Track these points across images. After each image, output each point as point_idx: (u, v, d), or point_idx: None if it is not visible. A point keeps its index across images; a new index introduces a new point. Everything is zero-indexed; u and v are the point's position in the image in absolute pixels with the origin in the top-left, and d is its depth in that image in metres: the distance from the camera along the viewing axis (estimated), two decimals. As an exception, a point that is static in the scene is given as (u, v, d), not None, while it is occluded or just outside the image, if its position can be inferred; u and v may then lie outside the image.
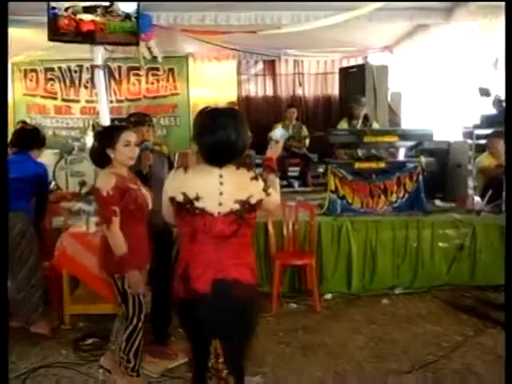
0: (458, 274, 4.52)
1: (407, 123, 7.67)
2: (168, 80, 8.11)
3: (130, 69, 7.94)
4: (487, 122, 4.39)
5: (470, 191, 5.10)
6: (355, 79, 6.95)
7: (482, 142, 6.18)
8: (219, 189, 1.88)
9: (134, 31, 4.75)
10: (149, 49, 7.37)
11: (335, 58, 8.35)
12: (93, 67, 5.09)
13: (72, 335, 3.49)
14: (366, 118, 5.51)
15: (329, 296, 4.37)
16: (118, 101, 8.04)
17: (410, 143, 4.78)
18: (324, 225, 4.46)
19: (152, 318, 3.25)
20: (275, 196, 2.04)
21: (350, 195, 4.70)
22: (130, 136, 2.63)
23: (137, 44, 4.93)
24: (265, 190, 1.95)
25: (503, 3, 4.71)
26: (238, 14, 5.97)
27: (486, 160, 5.32)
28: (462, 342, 3.40)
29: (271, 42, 7.44)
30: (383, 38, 7.61)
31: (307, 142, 7.03)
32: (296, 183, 6.81)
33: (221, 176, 1.89)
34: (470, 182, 5.48)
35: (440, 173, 5.27)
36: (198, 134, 1.93)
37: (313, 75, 8.41)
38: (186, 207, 1.89)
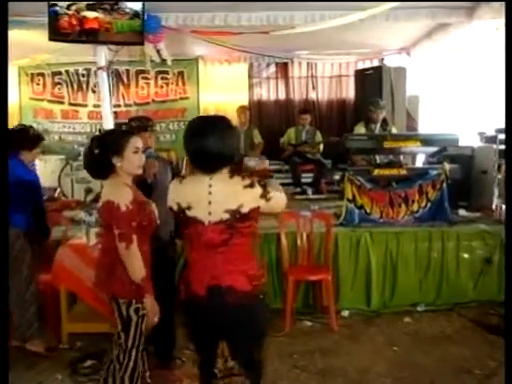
0: (485, 289, 4.20)
1: (424, 128, 7.36)
2: (177, 84, 7.89)
3: (138, 72, 7.73)
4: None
5: (497, 200, 4.77)
6: (372, 82, 6.65)
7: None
8: (208, 198, 1.91)
9: (141, 30, 4.50)
10: (158, 51, 7.18)
11: (350, 61, 8.06)
12: (97, 69, 4.84)
13: (69, 356, 3.24)
14: (384, 122, 5.21)
15: (346, 313, 4.08)
16: (127, 105, 7.85)
17: (432, 149, 4.47)
18: (341, 236, 4.17)
19: (155, 341, 3.00)
20: (278, 198, 2.03)
21: (369, 204, 4.40)
22: (138, 142, 2.35)
23: (142, 43, 4.68)
24: (263, 195, 1.93)
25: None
26: (249, 15, 5.72)
27: None
28: (497, 369, 3.08)
29: (284, 44, 7.19)
30: (400, 39, 7.31)
31: (321, 147, 6.74)
32: (309, 190, 6.51)
33: (210, 186, 1.92)
34: (497, 190, 5.16)
35: (464, 180, 4.95)
36: (183, 141, 1.97)
37: (327, 78, 8.11)
38: (180, 216, 1.97)
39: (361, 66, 7.90)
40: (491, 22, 5.82)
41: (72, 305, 3.55)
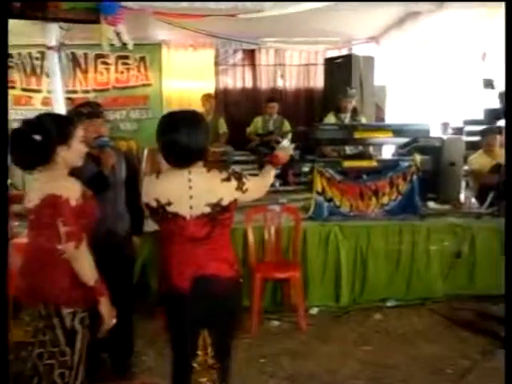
0: (455, 283, 4.13)
1: (391, 119, 7.29)
2: (139, 69, 7.50)
3: (97, 56, 7.30)
4: (491, 115, 3.96)
5: (466, 192, 4.71)
6: (341, 70, 6.49)
7: (471, 138, 5.85)
8: (188, 193, 1.92)
9: (96, 8, 4.14)
10: (118, 34, 6.77)
11: (318, 50, 7.89)
12: (47, 49, 4.43)
13: (13, 368, 2.92)
14: (354, 111, 5.04)
15: (315, 310, 3.92)
16: (84, 91, 7.41)
17: (403, 140, 4.34)
18: (310, 231, 4.00)
19: (111, 348, 2.75)
20: (255, 187, 2.10)
21: (338, 197, 4.24)
22: (82, 131, 2.11)
23: (97, 22, 4.31)
24: (239, 188, 1.98)
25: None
26: (217, -3, 5.42)
27: (479, 160, 4.90)
28: (470, 368, 2.99)
29: (251, 30, 6.93)
30: (369, 27, 7.17)
31: (289, 137, 6.54)
32: (277, 182, 6.31)
33: (189, 180, 1.93)
34: (463, 182, 5.13)
35: (432, 172, 4.85)
36: (156, 137, 1.98)
37: (295, 67, 7.93)
38: (159, 212, 1.95)
39: (329, 55, 7.73)
40: (463, 11, 5.76)
41: (18, 311, 3.22)
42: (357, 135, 4.09)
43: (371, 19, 6.63)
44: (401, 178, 4.28)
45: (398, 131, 4.10)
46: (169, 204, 1.91)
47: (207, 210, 1.91)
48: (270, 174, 2.25)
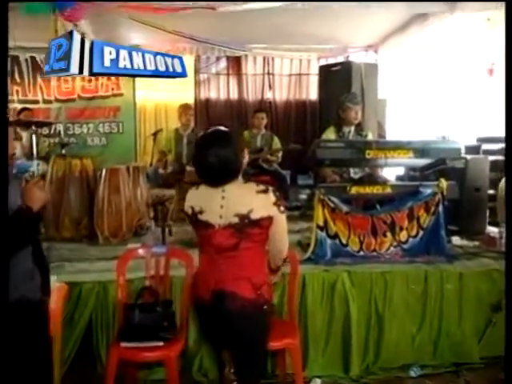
0: (493, 343, 3.24)
1: (393, 137, 6.47)
2: (109, 77, 6.61)
3: (60, 62, 6.40)
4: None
5: (500, 226, 3.85)
6: (339, 79, 5.65)
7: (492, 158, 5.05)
8: (220, 202, 1.93)
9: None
10: (82, 35, 5.92)
11: (311, 58, 7.11)
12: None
13: None
14: (358, 125, 4.17)
15: (317, 383, 2.99)
16: (46, 101, 6.53)
17: (425, 161, 3.48)
18: (310, 278, 3.09)
19: None
20: (285, 221, 1.99)
21: (345, 233, 3.34)
22: None
23: None
24: (277, 204, 1.91)
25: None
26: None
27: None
28: None
29: (236, 34, 6.14)
30: (368, 33, 6.44)
31: (280, 155, 5.67)
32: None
33: (223, 190, 1.94)
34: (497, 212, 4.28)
35: (455, 199, 4.00)
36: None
37: (285, 76, 7.11)
38: (193, 219, 1.99)
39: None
40: (478, 14, 5.03)
41: None
42: (369, 154, 3.21)
43: (370, 24, 5.90)
44: (423, 208, 3.41)
45: (421, 150, 3.23)
46: (201, 212, 1.94)
47: (235, 220, 1.89)
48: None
